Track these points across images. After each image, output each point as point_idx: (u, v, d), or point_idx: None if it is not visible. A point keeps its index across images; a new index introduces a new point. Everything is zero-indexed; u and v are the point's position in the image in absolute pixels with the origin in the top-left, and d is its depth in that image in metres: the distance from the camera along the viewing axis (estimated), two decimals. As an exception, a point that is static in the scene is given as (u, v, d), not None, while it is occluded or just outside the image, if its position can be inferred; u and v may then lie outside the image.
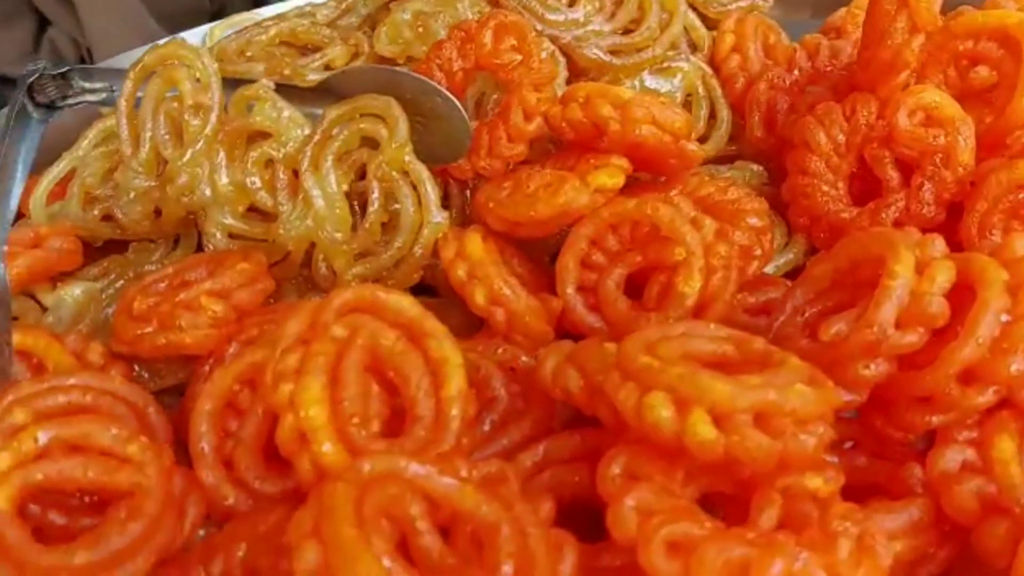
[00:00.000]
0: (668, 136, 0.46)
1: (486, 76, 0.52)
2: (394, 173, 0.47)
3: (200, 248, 0.54)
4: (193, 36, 0.82)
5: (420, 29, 0.54)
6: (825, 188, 0.48)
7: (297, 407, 0.33)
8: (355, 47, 0.58)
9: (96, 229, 0.54)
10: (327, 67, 0.57)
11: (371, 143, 0.48)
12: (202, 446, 0.36)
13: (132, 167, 0.52)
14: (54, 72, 0.58)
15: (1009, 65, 0.45)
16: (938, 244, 0.35)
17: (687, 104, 0.57)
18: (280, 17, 0.64)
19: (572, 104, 0.47)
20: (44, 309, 0.50)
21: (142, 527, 0.34)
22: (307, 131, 0.49)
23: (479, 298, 0.43)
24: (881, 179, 0.47)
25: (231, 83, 0.52)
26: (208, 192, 0.50)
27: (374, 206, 0.47)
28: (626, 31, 0.57)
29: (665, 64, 0.56)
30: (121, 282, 0.53)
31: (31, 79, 0.57)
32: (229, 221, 0.50)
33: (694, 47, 0.59)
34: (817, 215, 0.48)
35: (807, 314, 0.39)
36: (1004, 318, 0.33)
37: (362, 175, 0.48)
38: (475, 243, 0.44)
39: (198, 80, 0.51)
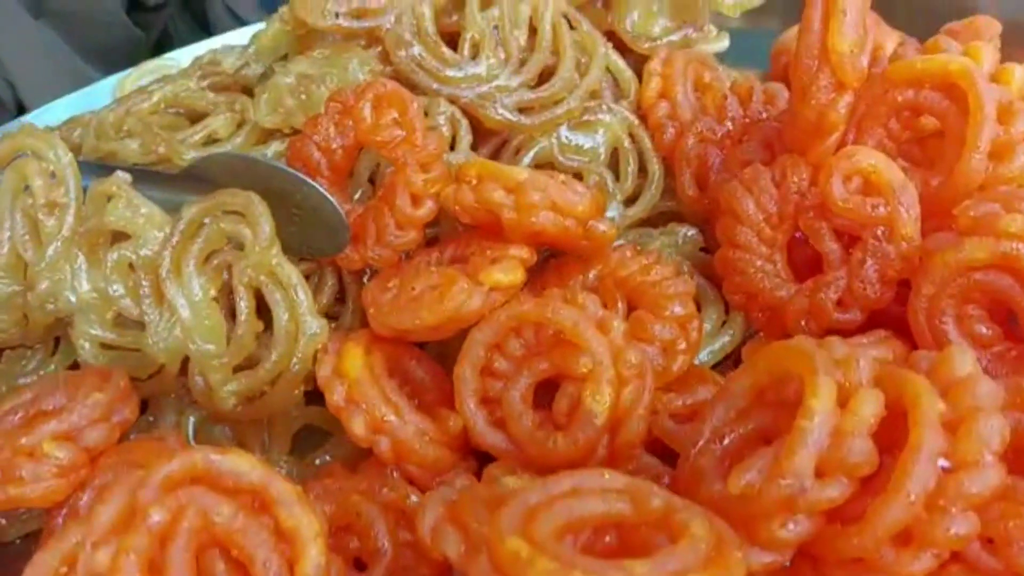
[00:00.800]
0: (571, 220, 0.40)
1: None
2: (262, 277, 0.41)
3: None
4: (104, 87, 0.77)
5: (303, 96, 0.48)
6: (759, 263, 0.42)
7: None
8: (240, 115, 0.53)
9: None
10: (209, 139, 0.52)
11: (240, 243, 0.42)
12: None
13: (-12, 270, 0.47)
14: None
15: (955, 118, 0.39)
16: (864, 366, 0.30)
17: (613, 160, 0.51)
18: (166, 79, 0.58)
19: (463, 186, 0.41)
20: None
21: None
22: (168, 230, 0.43)
23: (357, 428, 0.37)
24: (819, 252, 0.41)
25: (96, 169, 0.47)
26: (73, 299, 0.45)
27: (243, 315, 0.41)
28: (539, 81, 0.51)
29: (585, 117, 0.51)
30: (-10, 400, 0.48)
31: None
32: (96, 331, 0.45)
33: (619, 92, 0.53)
34: (752, 292, 0.43)
35: (726, 440, 0.33)
36: (941, 463, 0.28)
37: (234, 276, 0.43)
38: (353, 359, 0.39)
39: (53, 174, 0.45)
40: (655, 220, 0.51)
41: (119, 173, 0.44)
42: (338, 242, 0.43)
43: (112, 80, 0.77)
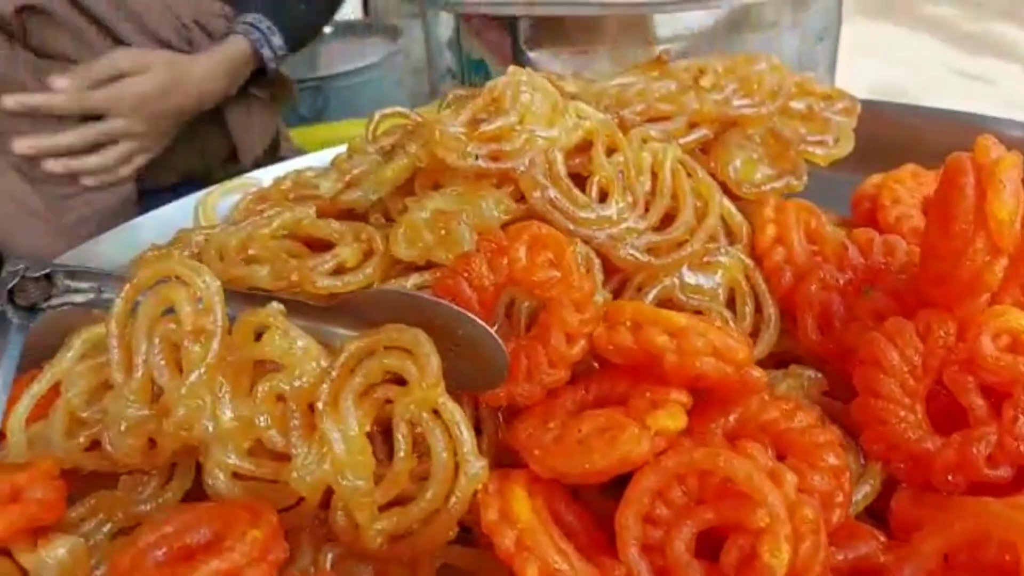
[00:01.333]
0: (731, 367, 0.41)
1: (516, 284, 0.48)
2: (424, 414, 0.41)
3: (198, 482, 0.48)
4: (187, 204, 0.79)
5: (442, 231, 0.50)
6: (902, 413, 0.43)
7: None
8: (367, 243, 0.54)
9: (81, 461, 0.49)
10: (339, 268, 0.53)
11: (396, 376, 0.43)
12: None
13: (124, 395, 0.47)
14: (36, 274, 0.53)
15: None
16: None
17: (730, 301, 0.53)
18: (281, 207, 0.59)
19: (620, 328, 0.42)
20: (23, 572, 0.43)
21: None
22: (323, 363, 0.44)
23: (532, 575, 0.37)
24: (964, 406, 0.42)
25: (231, 294, 0.48)
26: (210, 427, 0.45)
27: (402, 453, 0.41)
28: (661, 225, 0.53)
29: (704, 259, 0.52)
30: (108, 526, 0.47)
31: (12, 283, 0.53)
32: (233, 460, 0.44)
33: (731, 236, 0.55)
34: (895, 443, 0.43)
35: (920, 605, 0.33)
36: None
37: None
38: (522, 502, 0.39)
39: (199, 300, 0.46)
40: (765, 362, 0.52)
41: (273, 304, 0.45)
42: (496, 379, 0.43)
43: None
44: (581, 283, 0.44)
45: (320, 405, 0.42)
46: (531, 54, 0.89)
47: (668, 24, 0.93)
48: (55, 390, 0.52)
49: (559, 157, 0.52)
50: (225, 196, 0.78)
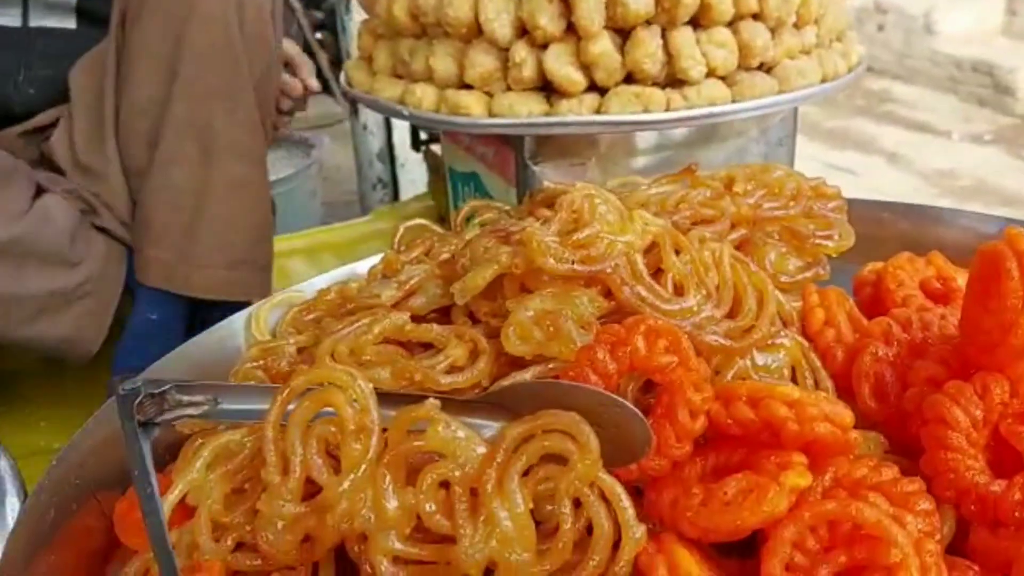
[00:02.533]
0: (840, 430, 0.48)
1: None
2: (585, 489, 0.47)
3: (342, 573, 0.52)
4: (236, 320, 0.82)
5: (550, 328, 0.56)
6: (969, 462, 0.51)
7: None
8: (471, 344, 0.60)
9: (233, 562, 0.52)
10: (452, 367, 0.58)
11: (552, 458, 0.48)
12: None
13: (281, 495, 0.50)
14: (153, 391, 0.57)
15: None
16: None
17: (793, 377, 0.61)
18: (375, 314, 0.65)
19: (737, 403, 0.49)
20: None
21: None
22: (481, 449, 0.49)
23: (708, 620, 0.43)
24: (1020, 452, 0.51)
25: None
26: (372, 518, 0.49)
27: (567, 524, 0.47)
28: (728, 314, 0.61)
29: (769, 341, 0.60)
30: (269, 618, 0.50)
31: (135, 401, 0.56)
32: (398, 546, 0.49)
33: (784, 320, 0.63)
34: (965, 488, 0.51)
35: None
36: None
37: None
38: (689, 560, 0.45)
39: (355, 402, 0.51)
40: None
41: (431, 400, 0.50)
42: (638, 455, 0.49)
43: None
44: (698, 366, 0.51)
45: (488, 487, 0.47)
46: (535, 167, 0.97)
47: (649, 136, 1.04)
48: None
49: (639, 260, 0.60)
50: (273, 311, 0.82)
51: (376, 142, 2.49)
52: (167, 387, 0.57)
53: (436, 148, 2.01)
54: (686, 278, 0.60)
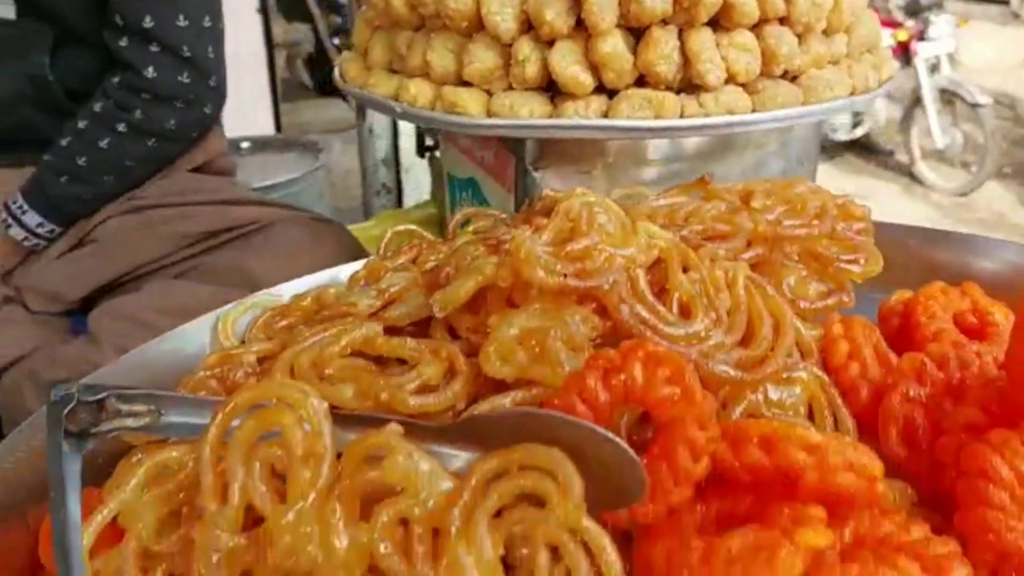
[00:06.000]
0: (866, 482, 0.42)
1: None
2: (564, 537, 0.40)
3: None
4: (202, 324, 0.76)
5: (536, 349, 0.50)
6: (1012, 523, 0.44)
7: None
8: (446, 361, 0.53)
9: (161, 598, 0.45)
10: (424, 386, 0.52)
11: (529, 498, 0.42)
12: None
13: (216, 523, 0.44)
14: (90, 398, 0.50)
15: None
16: None
17: (810, 415, 0.54)
18: (345, 324, 0.58)
19: (748, 446, 0.43)
20: None
21: None
22: (447, 485, 0.42)
23: None
24: (1073, 515, 0.44)
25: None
26: (320, 557, 0.42)
27: (543, 574, 0.40)
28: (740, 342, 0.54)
29: (784, 374, 0.53)
30: (197, 667, 0.44)
31: (66, 409, 0.50)
32: (347, 592, 0.42)
33: (802, 351, 0.56)
34: (1007, 552, 0.44)
35: None
36: None
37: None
38: (681, 627, 0.38)
39: (306, 423, 0.44)
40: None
41: (392, 425, 0.43)
42: (629, 499, 0.42)
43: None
44: (703, 400, 0.44)
45: (453, 529, 0.41)
46: (536, 173, 0.91)
47: (662, 148, 0.97)
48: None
49: (642, 275, 0.53)
50: (244, 314, 0.76)
51: (382, 146, 2.44)
52: (105, 395, 0.51)
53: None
54: (694, 299, 0.53)
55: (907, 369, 0.53)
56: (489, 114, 0.86)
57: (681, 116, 0.84)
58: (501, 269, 0.53)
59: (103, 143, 1.25)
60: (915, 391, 0.52)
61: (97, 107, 1.25)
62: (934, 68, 4.68)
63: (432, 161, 1.99)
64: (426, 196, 2.15)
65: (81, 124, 1.26)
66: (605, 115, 0.85)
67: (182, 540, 0.47)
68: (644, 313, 0.51)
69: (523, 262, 0.52)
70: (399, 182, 2.47)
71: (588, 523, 0.40)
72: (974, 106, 4.41)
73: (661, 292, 0.55)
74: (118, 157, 1.26)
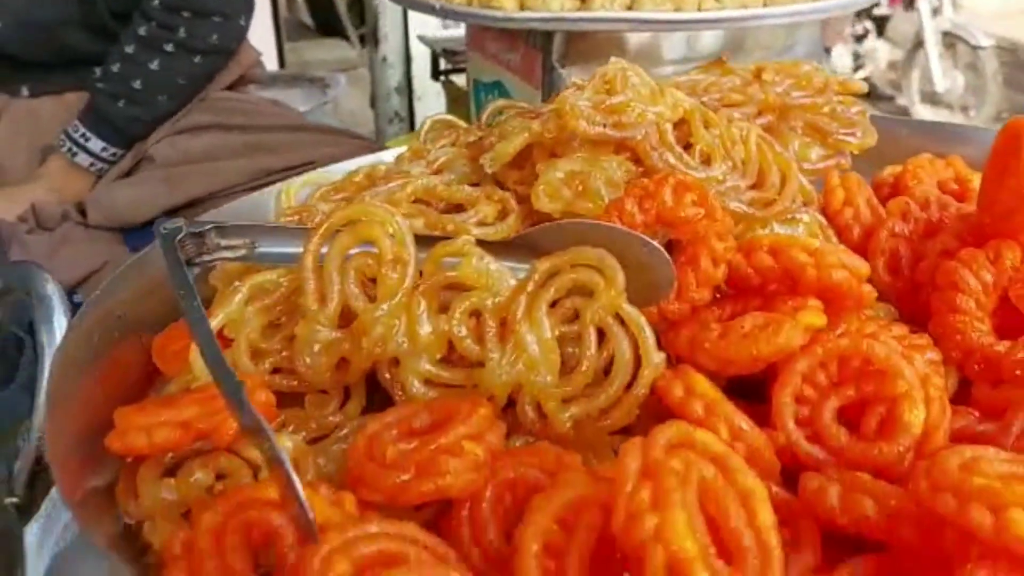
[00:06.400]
0: (855, 279, 0.51)
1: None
2: (608, 318, 0.49)
3: (371, 398, 0.55)
4: (266, 195, 0.84)
5: (579, 187, 0.58)
6: (976, 324, 0.54)
7: (667, 541, 0.34)
8: (500, 204, 0.62)
9: (271, 382, 0.54)
10: (481, 223, 0.60)
11: (578, 291, 0.51)
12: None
13: (318, 320, 0.53)
14: (193, 231, 0.59)
15: None
16: None
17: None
18: (403, 176, 0.67)
19: (759, 252, 0.52)
20: (252, 468, 0.49)
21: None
22: (512, 283, 0.51)
23: (724, 433, 0.45)
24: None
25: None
26: (405, 343, 0.51)
27: (591, 350, 0.49)
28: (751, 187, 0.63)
29: (789, 216, 0.62)
30: (303, 433, 0.53)
31: (178, 237, 0.58)
32: (429, 368, 0.51)
33: (804, 201, 0.65)
34: (971, 349, 0.54)
35: None
36: None
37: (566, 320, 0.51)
38: (703, 382, 0.47)
39: (392, 236, 0.53)
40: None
41: (464, 236, 0.52)
42: (662, 294, 0.51)
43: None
44: (723, 217, 0.53)
45: (519, 314, 0.50)
46: (562, 70, 0.99)
47: (677, 48, 1.05)
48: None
49: (669, 128, 0.62)
50: (303, 189, 0.84)
51: (395, 75, 2.50)
52: (206, 227, 0.60)
53: (455, 78, 2.02)
54: (714, 150, 0.62)
55: (893, 210, 0.62)
56: (522, 8, 0.94)
57: (699, 10, 0.92)
58: (547, 123, 0.62)
59: (153, 65, 1.32)
60: (900, 227, 0.61)
61: (142, 30, 1.33)
62: (936, 11, 4.71)
63: (446, 84, 2.06)
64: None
65: (128, 49, 1.33)
66: (629, 9, 0.92)
67: (285, 339, 0.56)
68: (672, 159, 0.60)
69: (568, 114, 0.60)
70: (411, 110, 2.54)
71: (627, 307, 0.50)
72: (976, 48, 4.44)
73: (685, 147, 0.63)
74: (170, 76, 1.34)
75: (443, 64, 1.98)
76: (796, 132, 0.72)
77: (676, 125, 0.64)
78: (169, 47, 1.33)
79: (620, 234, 0.51)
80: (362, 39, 4.34)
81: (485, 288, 0.51)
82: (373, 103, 2.59)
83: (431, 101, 2.44)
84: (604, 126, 0.60)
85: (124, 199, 1.31)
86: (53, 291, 0.63)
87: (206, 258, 0.60)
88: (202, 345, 0.49)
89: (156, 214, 1.31)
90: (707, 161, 0.62)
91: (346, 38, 4.96)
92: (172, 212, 1.33)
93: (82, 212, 1.30)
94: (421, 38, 2.13)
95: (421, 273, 0.53)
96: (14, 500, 0.54)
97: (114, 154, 1.36)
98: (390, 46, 2.42)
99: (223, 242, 0.60)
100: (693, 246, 0.53)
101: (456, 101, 1.92)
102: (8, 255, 1.16)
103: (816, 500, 0.41)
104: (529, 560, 0.37)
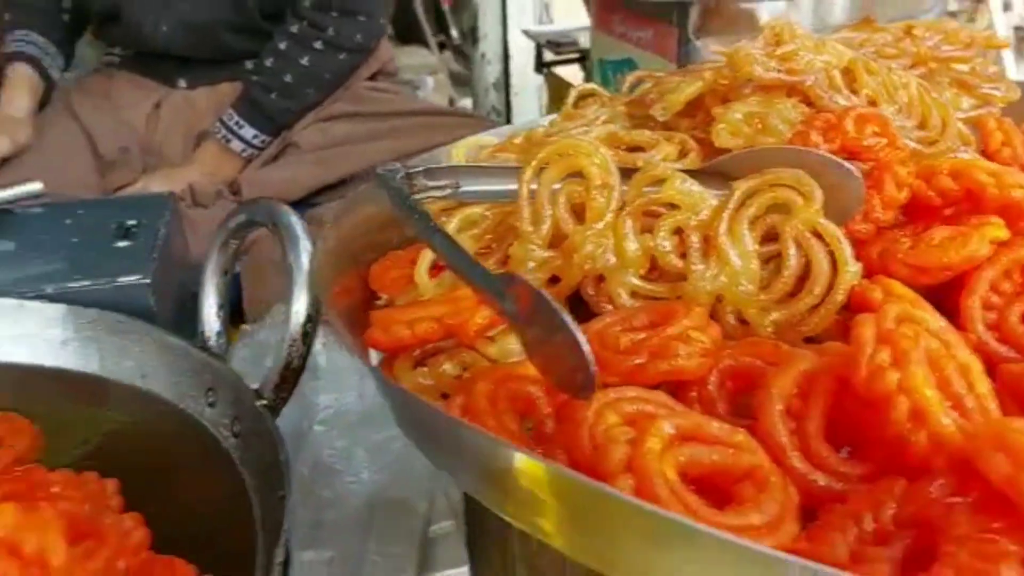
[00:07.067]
0: (1033, 198, 0.55)
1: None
2: (807, 232, 0.55)
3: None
4: (437, 155, 0.91)
5: (758, 124, 0.64)
6: None
7: (910, 390, 0.39)
8: (680, 144, 0.68)
9: (485, 300, 0.61)
10: (664, 160, 0.66)
11: (776, 210, 0.56)
12: (783, 440, 0.42)
13: (532, 241, 0.59)
14: (407, 171, 0.65)
15: None
16: None
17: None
18: (583, 123, 0.73)
19: (940, 176, 0.56)
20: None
21: (774, 499, 0.39)
22: (713, 202, 0.57)
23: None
24: None
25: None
26: (612, 259, 0.57)
27: (791, 261, 0.55)
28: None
29: (952, 155, 0.66)
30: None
31: (399, 175, 0.65)
32: (635, 282, 0.57)
33: (962, 142, 0.69)
34: None
35: None
36: None
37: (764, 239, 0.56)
38: (900, 285, 0.52)
39: (597, 165, 0.59)
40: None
41: (665, 164, 0.58)
42: (846, 217, 0.56)
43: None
44: (904, 145, 0.58)
45: (721, 229, 0.55)
46: (698, 42, 1.04)
47: (806, 20, 1.09)
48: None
49: (837, 74, 0.67)
50: (468, 150, 0.91)
51: (493, 72, 2.58)
52: (418, 170, 0.66)
53: (558, 70, 2.09)
54: (879, 95, 0.67)
55: (1043, 149, 0.66)
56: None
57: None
58: (721, 70, 0.67)
59: (304, 60, 1.44)
60: (1063, 164, 0.65)
61: (293, 28, 1.44)
62: (1007, 6, 4.63)
63: (548, 76, 2.12)
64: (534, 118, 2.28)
65: (281, 45, 1.45)
66: (764, -20, 0.98)
67: (498, 262, 0.62)
68: (842, 101, 0.65)
69: (743, 60, 0.65)
70: (508, 105, 2.62)
71: (824, 222, 0.55)
72: (1051, 42, 4.36)
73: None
74: (318, 72, 1.45)
75: (547, 56, 2.04)
76: (944, 85, 0.76)
77: (841, 73, 0.69)
78: (318, 44, 1.43)
79: (813, 156, 0.57)
80: (441, 46, 4.47)
81: (688, 207, 0.57)
82: (473, 100, 2.68)
83: (529, 97, 2.52)
84: (778, 72, 0.65)
85: (278, 178, 1.41)
86: (296, 221, 0.70)
87: (417, 197, 0.67)
88: (447, 251, 0.55)
89: (307, 193, 1.41)
90: (873, 105, 0.67)
91: (425, 45, 5.08)
92: (322, 191, 1.42)
93: (234, 192, 1.40)
94: (525, 32, 2.20)
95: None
96: (263, 402, 0.61)
97: (264, 141, 1.47)
98: (489, 44, 2.50)
99: (430, 183, 0.67)
100: (878, 170, 0.58)
101: (557, 95, 1.99)
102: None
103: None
104: (774, 416, 0.43)
